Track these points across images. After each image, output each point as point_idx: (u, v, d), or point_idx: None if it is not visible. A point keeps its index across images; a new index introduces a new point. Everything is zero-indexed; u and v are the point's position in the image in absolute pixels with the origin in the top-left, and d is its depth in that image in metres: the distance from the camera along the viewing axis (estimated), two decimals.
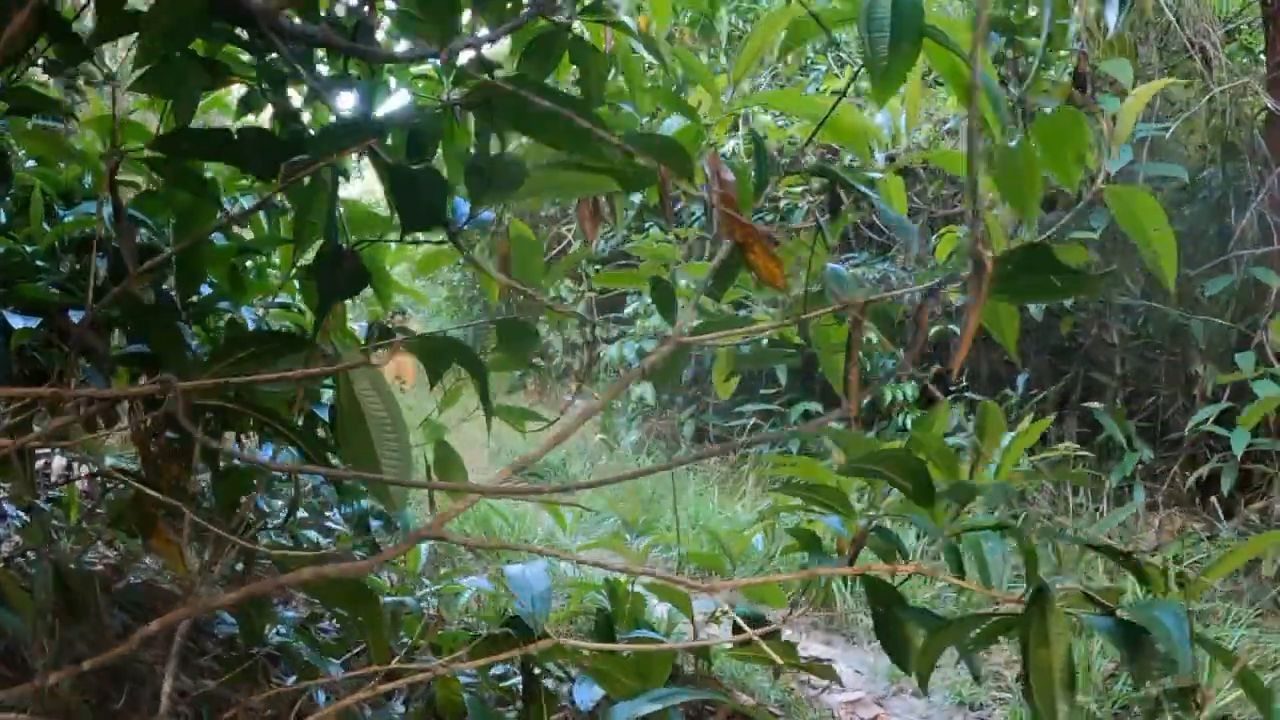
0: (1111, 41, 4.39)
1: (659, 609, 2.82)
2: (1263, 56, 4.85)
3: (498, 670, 2.12)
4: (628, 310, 7.76)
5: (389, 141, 1.56)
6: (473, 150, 1.48)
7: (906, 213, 1.96)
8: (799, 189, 5.56)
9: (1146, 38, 4.60)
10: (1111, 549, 1.28)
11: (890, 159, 1.88)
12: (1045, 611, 1.25)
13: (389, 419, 1.36)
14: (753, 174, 1.58)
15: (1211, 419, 3.96)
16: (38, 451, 2.34)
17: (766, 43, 1.66)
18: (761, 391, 6.58)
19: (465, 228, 1.22)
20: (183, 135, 1.22)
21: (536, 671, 1.77)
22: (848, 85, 1.64)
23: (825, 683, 2.95)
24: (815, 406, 6.26)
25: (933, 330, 4.99)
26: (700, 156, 1.66)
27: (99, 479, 2.70)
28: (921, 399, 5.36)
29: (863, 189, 1.44)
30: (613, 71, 1.83)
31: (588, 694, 1.88)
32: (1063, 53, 3.80)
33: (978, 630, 1.39)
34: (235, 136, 1.24)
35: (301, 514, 2.77)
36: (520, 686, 1.88)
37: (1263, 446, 3.75)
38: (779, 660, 1.74)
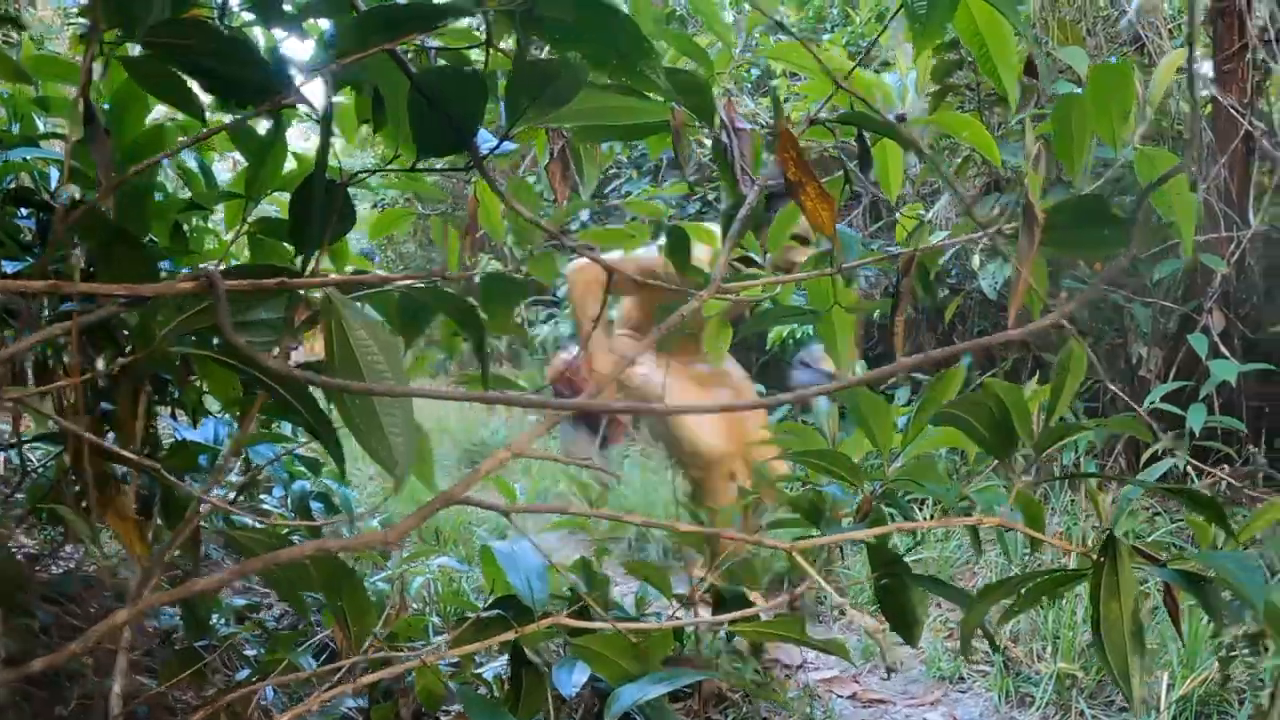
0: (1063, 30, 4.40)
1: (622, 595, 2.71)
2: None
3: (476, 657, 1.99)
4: (560, 291, 7.64)
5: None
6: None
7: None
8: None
9: (1095, 29, 4.62)
10: (1196, 494, 1.21)
11: (900, 118, 1.79)
12: (1117, 562, 1.18)
13: (391, 376, 1.22)
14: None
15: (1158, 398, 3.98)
16: None
17: None
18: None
19: (490, 155, 1.08)
20: (190, 26, 1.05)
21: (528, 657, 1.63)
22: (874, 40, 1.54)
23: (796, 662, 2.87)
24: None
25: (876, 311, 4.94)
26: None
27: (16, 460, 2.48)
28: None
29: (904, 136, 1.34)
30: None
31: (570, 678, 1.77)
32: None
33: (1029, 586, 1.31)
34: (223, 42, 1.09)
35: (235, 496, 2.60)
36: (505, 674, 1.75)
37: (1211, 423, 3.78)
38: (795, 639, 1.64)
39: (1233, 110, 4.30)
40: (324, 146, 1.23)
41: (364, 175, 1.29)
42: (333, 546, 0.98)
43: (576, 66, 0.95)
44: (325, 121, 1.22)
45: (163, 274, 2.01)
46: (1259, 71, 4.39)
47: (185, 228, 2.06)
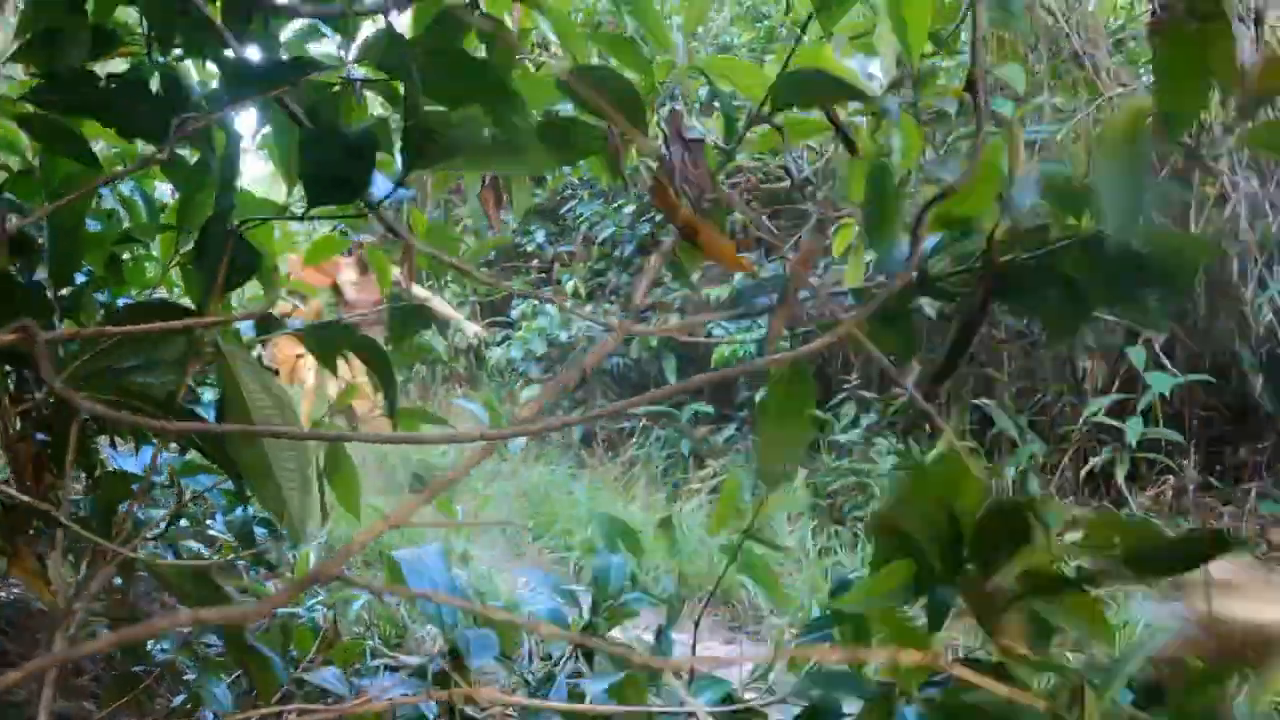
0: (1002, 47, 4.46)
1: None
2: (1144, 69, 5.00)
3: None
4: (514, 313, 7.63)
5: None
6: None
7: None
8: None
9: (1036, 45, 4.68)
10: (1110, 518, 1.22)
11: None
12: None
13: (283, 425, 1.23)
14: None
15: (1102, 411, 4.04)
16: None
17: None
18: (651, 393, 6.50)
19: (385, 201, 1.09)
20: (61, 84, 1.07)
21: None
22: (798, 40, 1.51)
23: None
24: (705, 408, 6.21)
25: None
26: (656, 114, 1.52)
27: None
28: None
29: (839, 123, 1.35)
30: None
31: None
32: (956, 58, 3.85)
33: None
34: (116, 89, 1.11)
35: (182, 523, 2.59)
36: None
37: (1153, 435, 3.84)
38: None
39: None
40: (225, 187, 1.24)
41: (256, 223, 1.31)
42: (208, 618, 0.99)
43: (471, 122, 0.97)
44: (226, 164, 1.24)
45: (96, 306, 2.02)
46: None
47: (126, 258, 2.07)
